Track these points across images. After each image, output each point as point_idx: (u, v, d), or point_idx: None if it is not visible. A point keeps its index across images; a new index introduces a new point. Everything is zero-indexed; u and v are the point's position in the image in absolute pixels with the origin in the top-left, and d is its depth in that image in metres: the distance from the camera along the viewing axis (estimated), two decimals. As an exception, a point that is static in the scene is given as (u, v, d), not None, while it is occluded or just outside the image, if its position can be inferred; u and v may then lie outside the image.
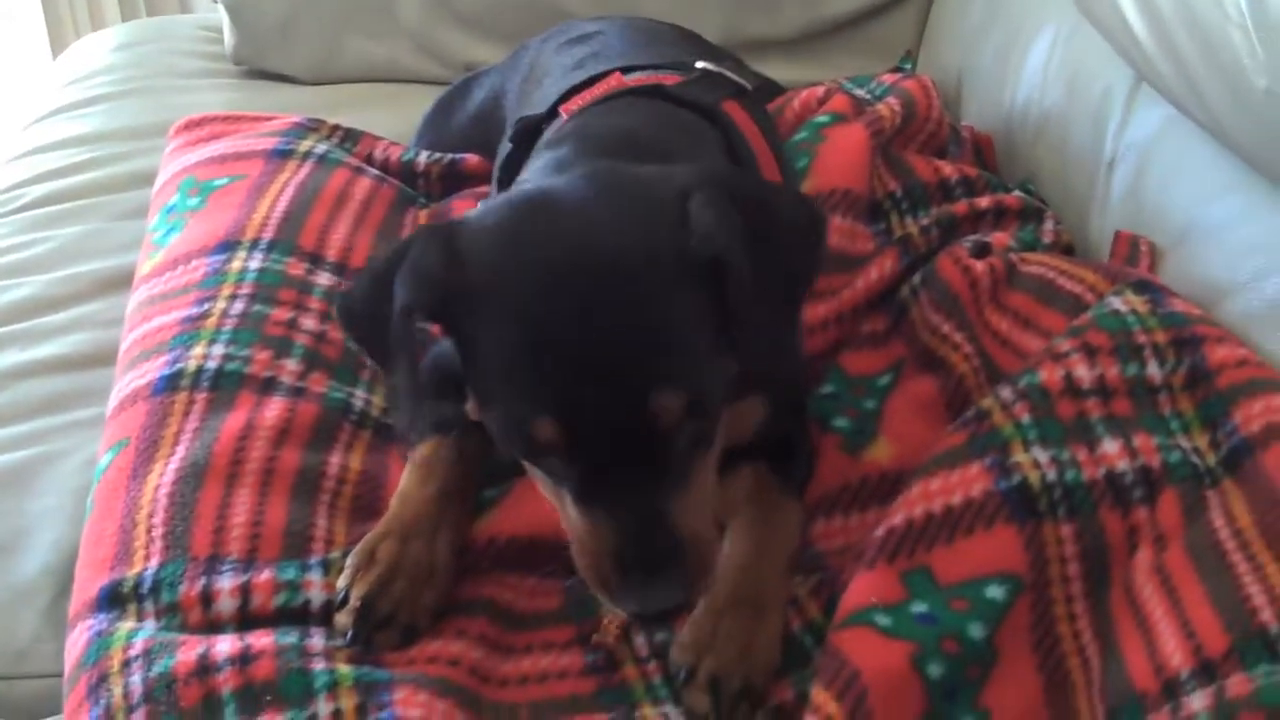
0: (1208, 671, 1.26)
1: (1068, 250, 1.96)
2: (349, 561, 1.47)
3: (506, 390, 1.30)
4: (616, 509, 1.29)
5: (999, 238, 1.91)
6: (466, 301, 1.31)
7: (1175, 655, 1.29)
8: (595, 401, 1.26)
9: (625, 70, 1.79)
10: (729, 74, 1.82)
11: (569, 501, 1.32)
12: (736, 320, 1.31)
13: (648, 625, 1.42)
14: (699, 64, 1.81)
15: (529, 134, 1.78)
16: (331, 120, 2.27)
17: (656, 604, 1.30)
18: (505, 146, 1.85)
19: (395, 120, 2.45)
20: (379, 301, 1.35)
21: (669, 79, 1.75)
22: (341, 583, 1.46)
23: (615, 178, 1.39)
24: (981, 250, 1.86)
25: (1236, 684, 1.22)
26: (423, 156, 2.24)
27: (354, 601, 1.44)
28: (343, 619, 1.44)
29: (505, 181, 1.79)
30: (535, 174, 1.55)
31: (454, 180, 2.22)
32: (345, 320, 1.46)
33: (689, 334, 1.30)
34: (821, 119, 2.14)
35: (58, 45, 3.78)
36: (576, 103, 1.71)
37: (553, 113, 1.76)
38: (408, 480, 1.57)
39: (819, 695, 1.30)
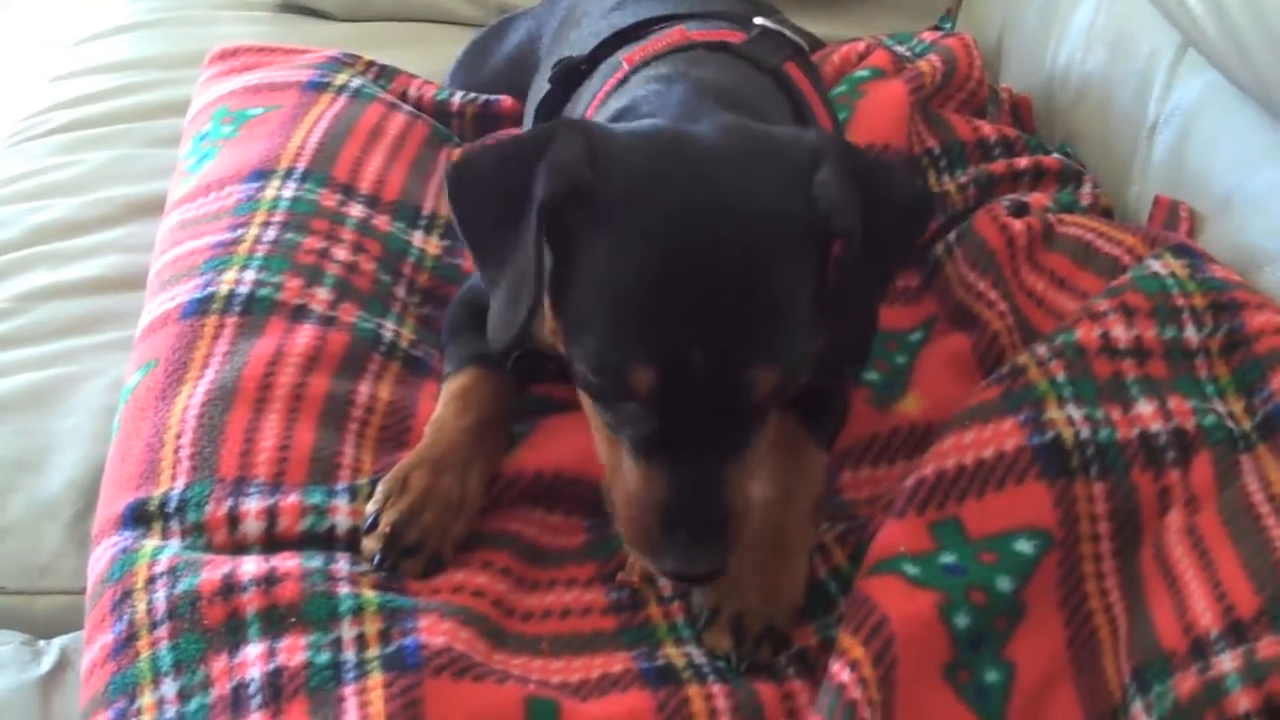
0: (1237, 633, 1.25)
1: (1105, 214, 1.95)
2: (380, 488, 1.47)
3: (611, 323, 1.28)
4: (678, 467, 1.28)
5: (1037, 198, 1.90)
6: (599, 209, 1.29)
7: (1205, 615, 1.28)
8: (700, 361, 1.24)
9: (683, 19, 1.75)
10: (787, 32, 1.79)
11: (628, 450, 1.31)
12: (838, 296, 1.31)
13: (678, 584, 1.41)
14: (757, 20, 1.77)
15: (569, 75, 1.77)
16: (366, 57, 2.26)
17: (696, 568, 1.30)
18: (542, 87, 1.83)
19: (428, 60, 2.43)
20: (509, 178, 1.33)
21: (733, 36, 1.70)
22: (371, 508, 1.45)
23: (751, 134, 1.37)
24: (1019, 210, 1.85)
25: (1268, 645, 1.22)
26: (457, 96, 2.22)
27: (383, 527, 1.43)
28: (370, 544, 1.43)
29: (541, 122, 1.78)
30: (657, 106, 1.48)
31: (489, 122, 2.20)
32: (461, 188, 1.39)
33: (799, 310, 1.29)
34: (861, 74, 2.13)
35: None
36: (639, 53, 1.64)
37: (596, 56, 1.74)
38: (444, 410, 1.56)
39: (845, 639, 1.30)
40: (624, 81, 1.59)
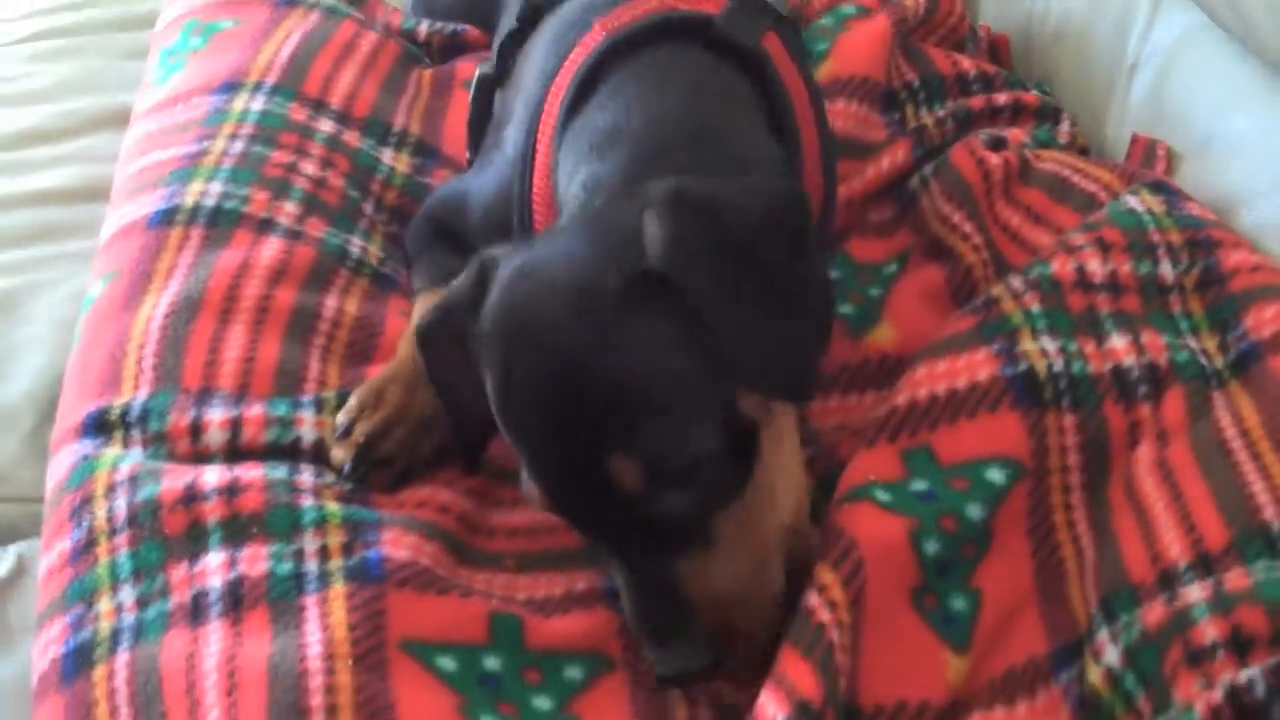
0: (1206, 565, 1.25)
1: (1083, 152, 1.93)
2: (354, 399, 1.46)
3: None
4: (628, 573, 1.23)
5: (1015, 134, 1.88)
6: (481, 345, 1.26)
7: (1174, 547, 1.28)
8: (559, 467, 1.20)
9: None
10: None
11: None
12: (728, 340, 1.17)
13: (681, 686, 1.27)
14: None
15: (536, 13, 1.73)
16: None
17: (673, 668, 1.21)
18: (510, 23, 1.80)
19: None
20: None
21: (712, 5, 1.57)
22: (342, 418, 1.44)
23: (598, 214, 1.28)
24: (997, 144, 1.84)
25: (1235, 578, 1.21)
26: (424, 25, 2.19)
27: (357, 436, 1.42)
28: (340, 453, 1.42)
29: (504, 58, 1.75)
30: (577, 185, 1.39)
31: (455, 52, 2.17)
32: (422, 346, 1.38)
33: (649, 381, 1.17)
34: (848, 9, 2.10)
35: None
36: (613, 20, 1.53)
37: None
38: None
39: (818, 567, 1.29)
40: (598, 63, 1.49)
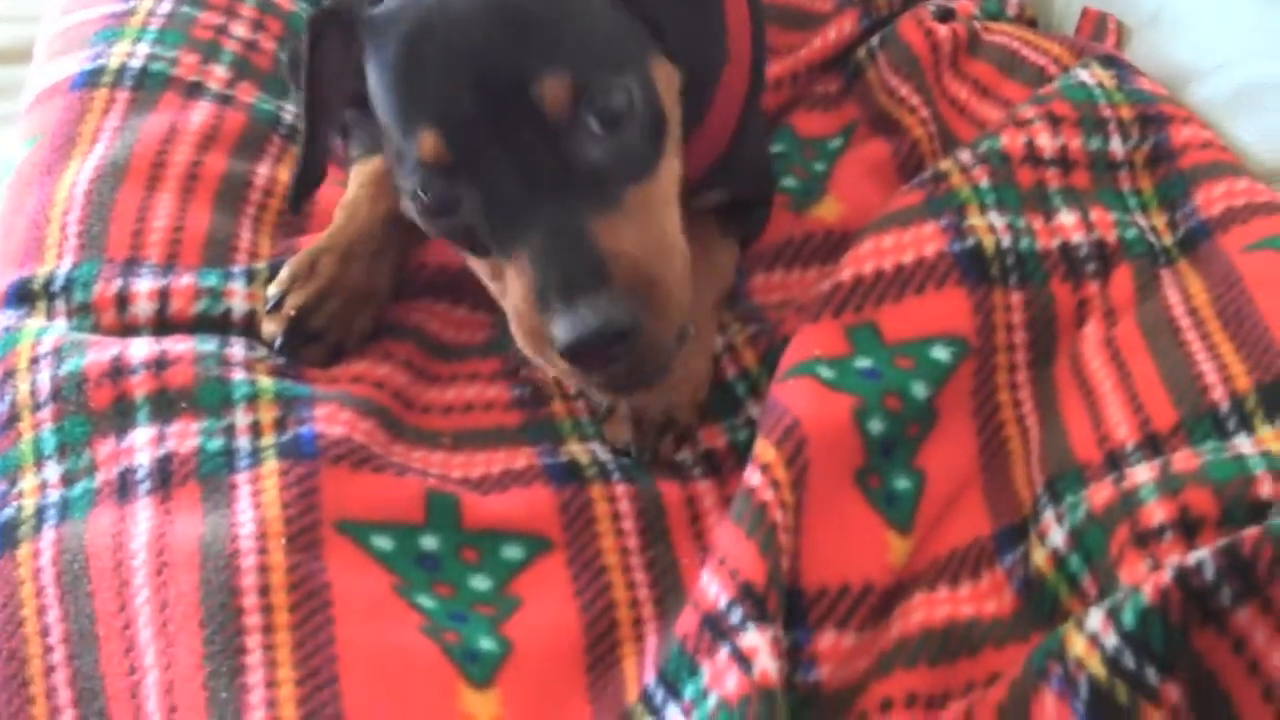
0: (1154, 445, 1.24)
1: (1031, 24, 1.90)
2: (286, 270, 1.41)
3: (392, 117, 1.19)
4: (536, 237, 1.16)
5: (963, 4, 1.84)
6: (375, 35, 1.22)
7: (1121, 427, 1.27)
8: (474, 100, 1.15)
9: None
10: None
11: (497, 258, 1.20)
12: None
13: (593, 365, 1.17)
14: None
15: None
16: None
17: (588, 326, 1.12)
18: None
19: None
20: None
21: None
22: (273, 290, 1.40)
23: None
24: (945, 15, 1.80)
25: (1183, 459, 1.20)
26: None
27: (288, 309, 1.38)
28: (271, 326, 1.38)
29: None
30: None
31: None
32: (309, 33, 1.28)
33: (584, 19, 1.18)
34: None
35: None
36: None
37: None
38: (357, 193, 1.49)
39: (759, 445, 1.27)
40: None
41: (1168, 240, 1.45)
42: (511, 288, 1.19)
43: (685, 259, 1.22)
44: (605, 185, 1.17)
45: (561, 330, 1.13)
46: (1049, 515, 1.24)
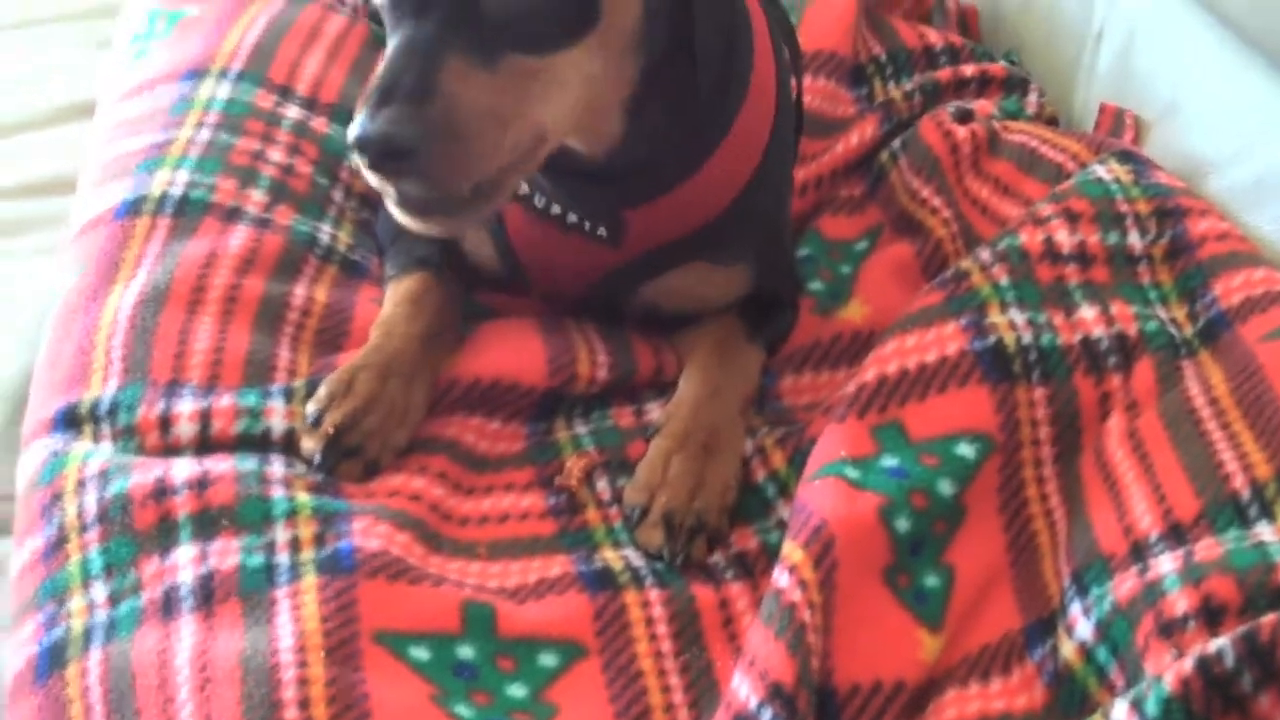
0: (1177, 535, 1.25)
1: (1051, 122, 1.94)
2: (324, 388, 1.45)
3: None
4: (398, 44, 1.24)
5: (982, 105, 1.88)
6: None
7: (1145, 518, 1.28)
8: None
9: None
10: None
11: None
12: None
13: (374, 163, 1.23)
14: None
15: None
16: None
17: (363, 128, 1.20)
18: None
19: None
20: None
21: None
22: (313, 407, 1.43)
23: None
24: (964, 116, 1.84)
25: (1206, 548, 1.22)
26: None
27: (326, 427, 1.41)
28: (309, 444, 1.41)
29: None
30: None
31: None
32: None
33: None
34: (810, -20, 2.11)
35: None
36: None
37: None
38: (393, 312, 1.53)
39: (787, 546, 1.29)
40: None
41: (1188, 331, 1.47)
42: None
43: (532, 130, 1.29)
44: (488, 40, 1.24)
45: (351, 125, 1.21)
46: (1076, 608, 1.25)
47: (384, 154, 1.21)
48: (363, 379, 1.45)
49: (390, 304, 1.54)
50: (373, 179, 1.26)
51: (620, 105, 1.41)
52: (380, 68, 1.24)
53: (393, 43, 1.25)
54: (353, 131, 1.21)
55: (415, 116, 1.20)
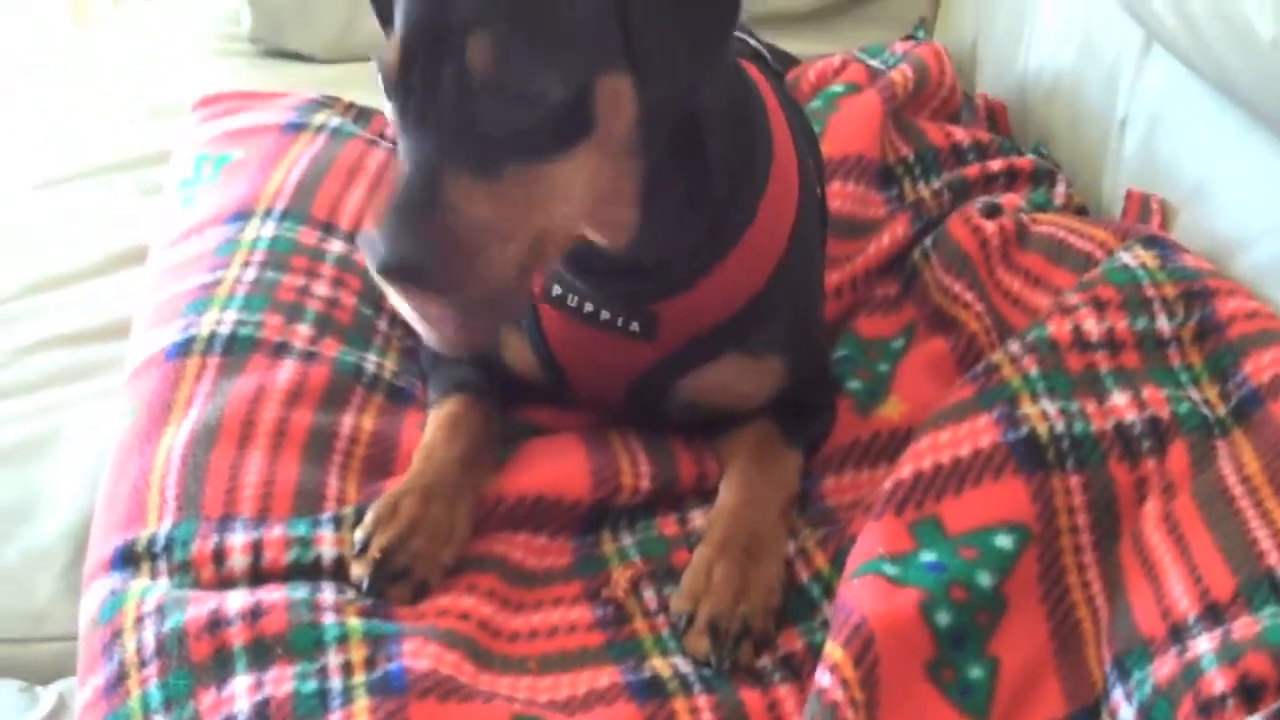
0: (1214, 615, 1.26)
1: (1080, 212, 1.96)
2: (370, 514, 1.48)
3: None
4: (408, 157, 1.27)
5: (1010, 199, 1.91)
6: None
7: (1182, 600, 1.29)
8: (425, 34, 1.25)
9: None
10: (750, 40, 1.79)
11: None
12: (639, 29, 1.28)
13: (385, 278, 1.27)
14: None
15: None
16: (347, 98, 2.27)
17: (373, 250, 1.24)
18: None
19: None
20: None
21: None
22: (360, 534, 1.46)
23: None
24: (992, 211, 1.86)
25: (1243, 626, 1.22)
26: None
27: (373, 552, 1.44)
28: (358, 569, 1.44)
29: None
30: None
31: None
32: None
33: (545, 8, 1.27)
34: (837, 89, 2.15)
35: (81, 15, 3.79)
36: None
37: None
38: (432, 436, 1.57)
39: (828, 645, 1.31)
40: None
41: (1221, 411, 1.47)
42: None
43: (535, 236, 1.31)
44: (491, 152, 1.26)
45: (359, 241, 1.26)
46: (1119, 693, 1.26)
47: (393, 272, 1.24)
48: (406, 503, 1.48)
49: (430, 429, 1.58)
50: (391, 296, 1.30)
51: (631, 200, 1.44)
52: (395, 182, 1.28)
53: (400, 155, 1.29)
54: (366, 255, 1.25)
55: (421, 232, 1.23)
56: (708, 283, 1.53)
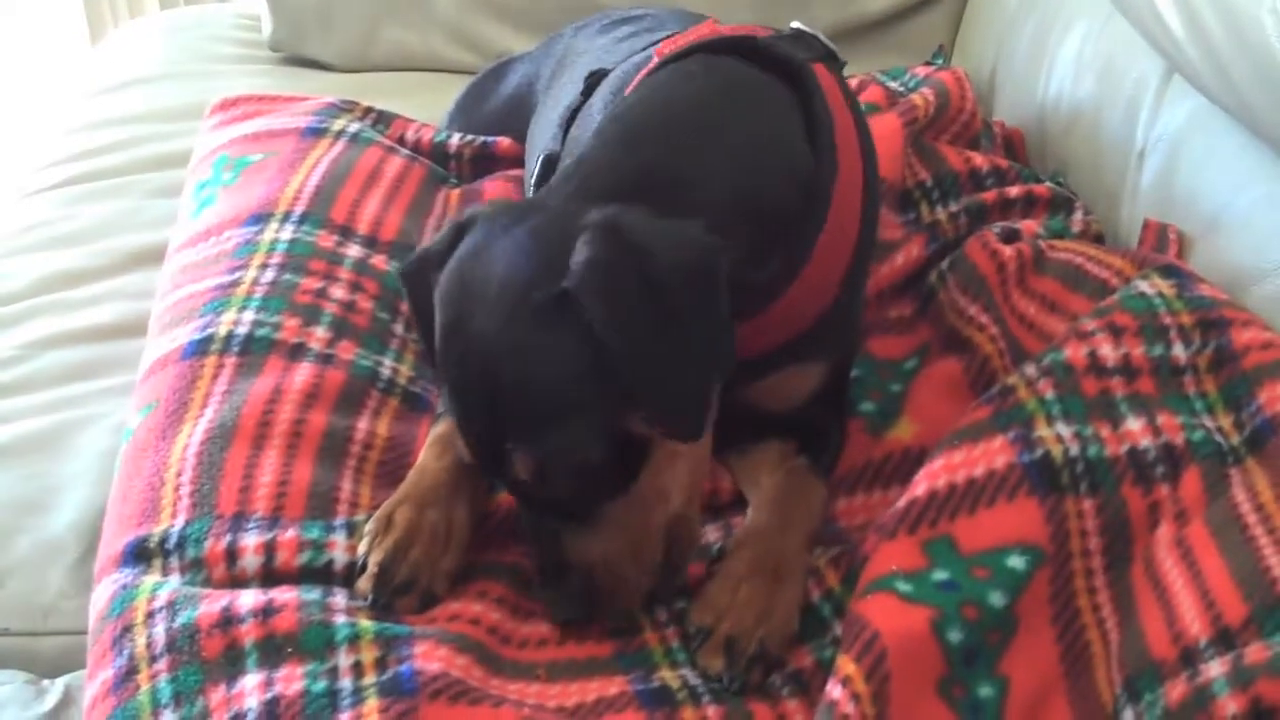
0: (1226, 640, 1.26)
1: (1097, 240, 1.96)
2: (367, 528, 1.48)
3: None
4: (528, 523, 1.44)
5: (1028, 225, 1.92)
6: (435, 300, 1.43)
7: (1194, 624, 1.29)
8: (474, 434, 1.40)
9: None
10: (821, 37, 1.80)
11: None
12: (615, 360, 1.31)
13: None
14: (794, 24, 1.79)
15: (595, 77, 1.83)
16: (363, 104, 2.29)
17: (554, 614, 1.46)
18: (571, 99, 1.88)
19: (428, 108, 2.45)
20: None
21: (762, 31, 1.72)
22: (361, 549, 1.47)
23: (552, 220, 1.38)
24: (1010, 236, 1.87)
25: (1255, 651, 1.22)
26: (455, 138, 2.24)
27: (371, 567, 1.45)
28: (363, 584, 1.45)
29: (565, 128, 1.83)
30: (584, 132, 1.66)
31: (486, 162, 2.22)
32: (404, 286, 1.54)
33: (551, 391, 1.34)
34: (857, 109, 2.16)
35: (97, 34, 3.81)
36: (669, 45, 1.69)
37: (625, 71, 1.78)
38: (425, 454, 1.57)
39: (840, 659, 1.31)
40: (653, 73, 1.65)
41: (1235, 440, 1.47)
42: None
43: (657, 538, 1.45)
44: (580, 506, 1.39)
45: (543, 601, 1.47)
46: (1129, 715, 1.26)
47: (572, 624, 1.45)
48: (400, 513, 1.49)
49: (424, 448, 1.59)
50: None
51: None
52: (530, 548, 1.49)
53: (527, 532, 1.47)
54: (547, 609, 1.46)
55: (570, 595, 1.43)
56: (769, 312, 1.55)
